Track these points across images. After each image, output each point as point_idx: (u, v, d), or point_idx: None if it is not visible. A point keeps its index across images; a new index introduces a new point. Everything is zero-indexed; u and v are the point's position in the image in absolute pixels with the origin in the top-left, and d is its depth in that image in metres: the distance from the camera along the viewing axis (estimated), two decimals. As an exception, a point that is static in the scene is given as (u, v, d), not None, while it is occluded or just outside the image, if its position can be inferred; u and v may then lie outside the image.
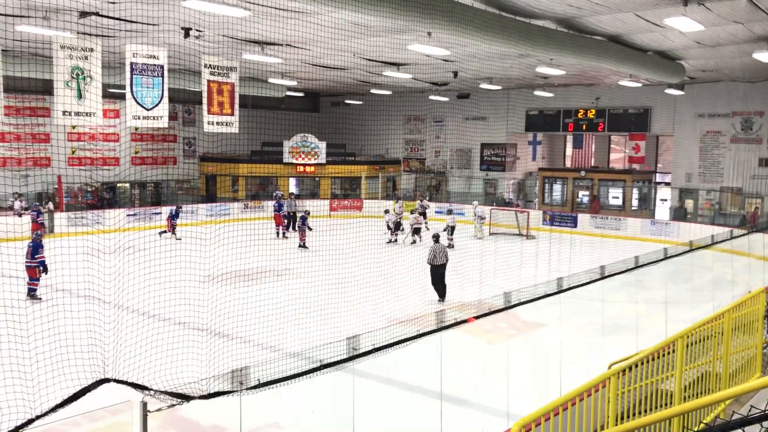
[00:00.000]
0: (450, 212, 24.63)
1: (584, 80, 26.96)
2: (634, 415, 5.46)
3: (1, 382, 6.46)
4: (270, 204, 29.87)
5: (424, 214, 26.10)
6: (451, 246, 21.99)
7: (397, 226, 24.24)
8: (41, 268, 14.39)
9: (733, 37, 16.30)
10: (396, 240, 23.83)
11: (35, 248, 14.47)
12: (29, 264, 14.43)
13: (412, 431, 8.87)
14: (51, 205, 24.45)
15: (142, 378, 5.06)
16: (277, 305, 12.49)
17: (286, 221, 25.84)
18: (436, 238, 15.42)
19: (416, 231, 23.72)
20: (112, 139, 29.45)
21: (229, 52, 18.93)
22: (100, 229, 23.06)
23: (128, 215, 26.05)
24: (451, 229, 23.41)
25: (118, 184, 30.08)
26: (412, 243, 23.21)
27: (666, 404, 5.87)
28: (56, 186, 26.55)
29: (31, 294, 14.23)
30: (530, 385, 10.02)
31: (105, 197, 29.09)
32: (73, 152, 28.29)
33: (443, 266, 14.92)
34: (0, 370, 7.22)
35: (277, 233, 24.90)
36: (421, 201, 28.02)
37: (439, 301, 14.56)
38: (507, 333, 12.50)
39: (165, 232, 22.83)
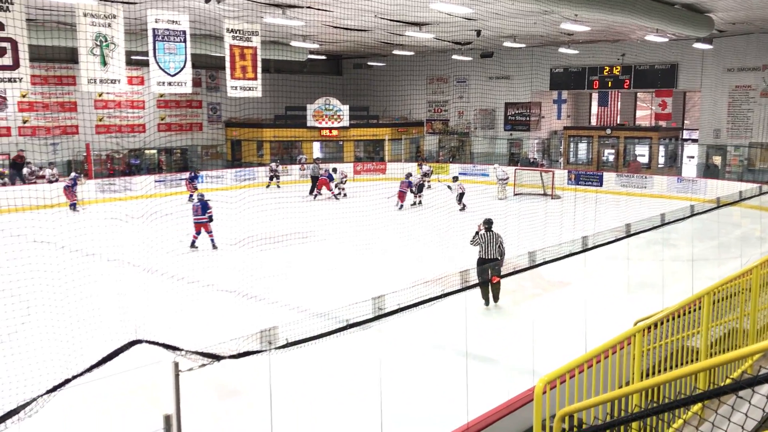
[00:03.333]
0: (456, 179, 24.47)
1: (610, 36, 26.42)
2: (659, 371, 5.49)
3: (40, 345, 6.67)
4: (296, 168, 30.22)
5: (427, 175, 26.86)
6: (463, 209, 22.02)
7: (420, 188, 24.24)
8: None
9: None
10: (420, 202, 23.86)
11: (205, 205, 16.07)
12: (201, 220, 15.97)
13: (438, 389, 9.01)
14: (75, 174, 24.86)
15: (173, 339, 5.19)
16: (304, 267, 12.64)
17: (312, 186, 26.34)
18: (488, 224, 11.93)
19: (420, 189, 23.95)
20: (138, 106, 29.62)
21: (251, 15, 18.83)
22: (129, 196, 23.41)
23: (156, 181, 26.38)
24: (459, 197, 23.06)
25: (145, 151, 30.36)
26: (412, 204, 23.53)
27: (692, 361, 5.88)
28: (85, 154, 26.89)
29: (213, 244, 15.91)
30: (555, 343, 10.06)
31: (132, 164, 29.45)
32: (100, 120, 28.54)
33: (496, 262, 11.56)
34: (38, 333, 7.44)
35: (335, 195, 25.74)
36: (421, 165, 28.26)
37: (485, 304, 11.66)
38: (531, 292, 12.53)
39: (191, 196, 23.35)
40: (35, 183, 23.38)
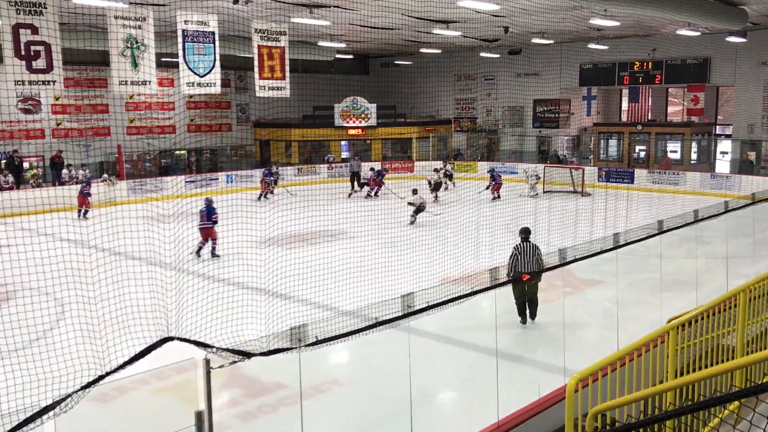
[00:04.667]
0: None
1: (640, 31, 26.08)
2: (693, 370, 5.40)
3: (74, 342, 6.78)
4: (323, 167, 30.32)
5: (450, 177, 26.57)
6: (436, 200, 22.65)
7: (437, 186, 24.43)
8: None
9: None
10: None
11: (211, 211, 15.62)
12: (206, 226, 15.54)
13: (468, 388, 8.97)
14: (107, 176, 25.17)
15: (205, 336, 5.24)
16: (333, 266, 12.68)
17: (352, 181, 27.07)
18: (525, 234, 10.68)
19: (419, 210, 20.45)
20: (168, 108, 29.97)
21: (278, 16, 18.94)
22: (161, 196, 23.68)
23: (187, 182, 26.67)
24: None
25: (176, 152, 30.70)
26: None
27: (727, 359, 5.78)
28: (117, 155, 27.28)
29: (213, 253, 15.53)
30: (587, 341, 9.98)
31: (163, 165, 29.78)
32: (131, 121, 28.94)
33: (531, 277, 10.30)
34: (72, 330, 7.57)
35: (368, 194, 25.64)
36: (445, 164, 28.02)
37: (521, 322, 10.63)
38: (563, 290, 12.42)
39: (264, 195, 24.73)
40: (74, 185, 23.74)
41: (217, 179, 27.78)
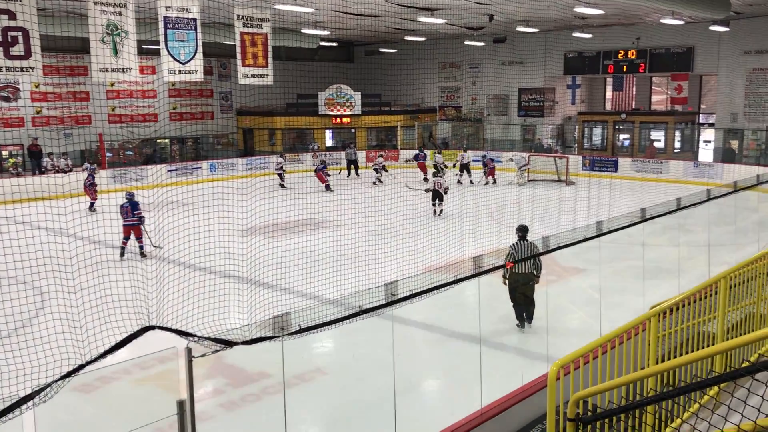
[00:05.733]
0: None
1: (624, 20, 26.14)
2: (675, 357, 5.43)
3: (54, 332, 6.72)
4: (307, 156, 30.17)
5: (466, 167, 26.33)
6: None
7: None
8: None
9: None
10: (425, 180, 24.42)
11: (135, 206, 14.57)
12: (131, 223, 14.53)
13: (452, 376, 9.00)
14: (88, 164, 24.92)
15: (187, 325, 5.20)
16: (316, 255, 12.65)
17: (348, 168, 28.13)
18: (522, 232, 10.09)
19: (437, 195, 19.43)
20: (150, 96, 29.71)
21: (261, 2, 18.76)
22: (143, 185, 23.49)
23: (169, 170, 26.48)
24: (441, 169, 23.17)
25: (158, 140, 30.46)
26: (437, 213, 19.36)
27: (708, 346, 5.82)
28: (98, 144, 27.02)
29: (142, 252, 14.52)
30: (570, 328, 10.04)
31: (146, 153, 29.54)
32: (113, 110, 28.65)
33: (529, 278, 9.82)
34: (51, 320, 7.50)
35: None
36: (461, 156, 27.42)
37: (518, 326, 10.14)
38: (546, 278, 12.46)
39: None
40: (54, 174, 23.48)
41: (200, 168, 27.62)
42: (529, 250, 9.76)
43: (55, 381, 3.71)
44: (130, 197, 14.79)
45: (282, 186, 24.72)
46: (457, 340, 9.72)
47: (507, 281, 9.87)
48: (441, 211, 18.96)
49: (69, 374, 3.79)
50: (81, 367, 3.87)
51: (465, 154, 26.56)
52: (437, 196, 19.13)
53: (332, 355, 9.97)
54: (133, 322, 4.63)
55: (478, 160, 28.88)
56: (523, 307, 9.98)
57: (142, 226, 14.59)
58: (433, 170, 21.28)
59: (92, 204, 20.39)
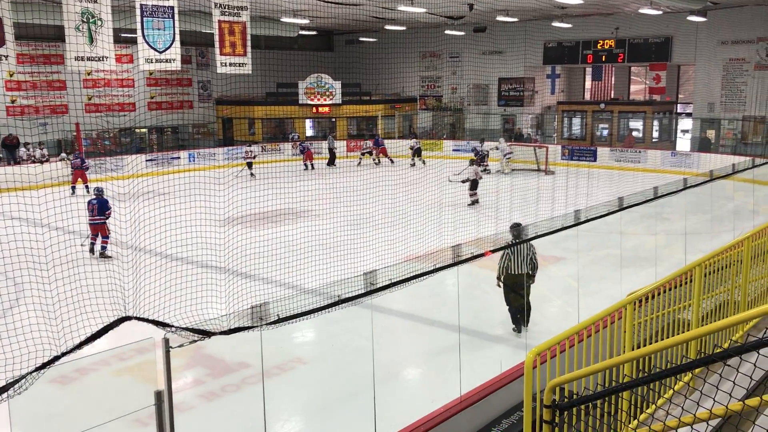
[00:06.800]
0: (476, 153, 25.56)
1: (603, 9, 26.24)
2: (652, 344, 5.49)
3: (27, 322, 6.65)
4: (287, 146, 30.07)
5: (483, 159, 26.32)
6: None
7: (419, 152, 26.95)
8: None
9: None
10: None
11: (103, 205, 13.90)
12: (97, 221, 13.83)
13: (432, 363, 9.05)
14: (65, 154, 24.68)
15: (164, 316, 5.17)
16: (295, 244, 12.63)
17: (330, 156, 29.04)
18: (517, 231, 9.35)
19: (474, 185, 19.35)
20: (128, 85, 29.38)
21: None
22: (120, 175, 23.26)
23: (147, 160, 26.24)
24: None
25: (136, 130, 30.15)
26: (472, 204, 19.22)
27: (685, 332, 5.90)
28: (75, 133, 26.68)
29: (103, 253, 13.83)
30: (549, 317, 10.11)
31: (123, 142, 29.25)
32: (90, 99, 28.30)
33: (526, 278, 9.30)
34: (26, 311, 7.43)
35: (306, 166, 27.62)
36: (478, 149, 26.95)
37: (514, 330, 9.58)
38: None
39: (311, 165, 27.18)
40: (31, 164, 23.21)
41: (179, 158, 27.40)
42: (525, 251, 9.27)
43: (30, 373, 3.68)
44: (99, 194, 14.19)
45: (252, 175, 24.70)
46: (438, 329, 9.77)
47: (501, 283, 9.48)
48: (475, 201, 18.94)
49: (44, 366, 3.75)
50: (56, 358, 3.83)
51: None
52: (476, 185, 19.16)
53: (312, 344, 9.98)
54: (110, 313, 4.60)
55: (459, 150, 28.98)
56: (519, 309, 9.45)
57: (106, 226, 13.92)
58: (470, 159, 20.94)
59: (84, 187, 20.72)
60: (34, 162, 23.39)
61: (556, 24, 28.01)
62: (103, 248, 13.93)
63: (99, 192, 14.28)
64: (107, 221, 13.91)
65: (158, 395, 4.20)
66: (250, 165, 25.47)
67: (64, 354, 3.91)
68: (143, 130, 30.55)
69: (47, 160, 23.72)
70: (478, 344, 9.24)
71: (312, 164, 27.76)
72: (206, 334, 4.37)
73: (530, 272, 9.36)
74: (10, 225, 8.93)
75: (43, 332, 5.97)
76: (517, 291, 9.35)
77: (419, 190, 17.61)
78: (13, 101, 26.17)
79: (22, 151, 24.68)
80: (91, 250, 13.89)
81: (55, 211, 8.36)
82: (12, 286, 9.74)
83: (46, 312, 6.94)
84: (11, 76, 25.70)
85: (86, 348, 4.23)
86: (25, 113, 26.36)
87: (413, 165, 27.47)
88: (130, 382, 7.27)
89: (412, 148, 28.29)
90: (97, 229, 13.96)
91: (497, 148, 26.62)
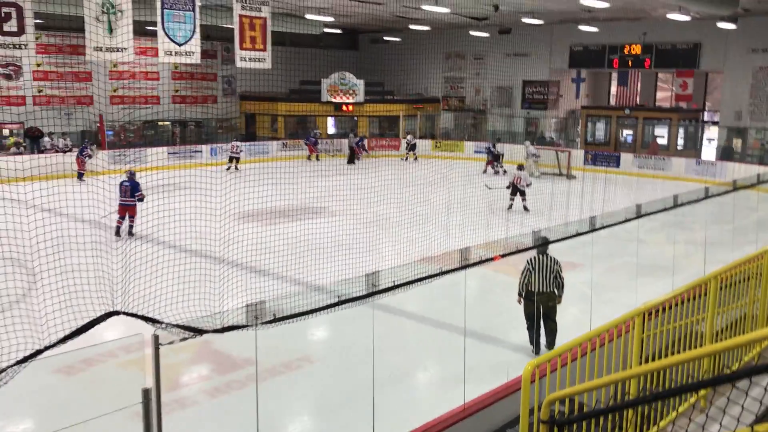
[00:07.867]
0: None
1: (631, 14, 25.84)
2: (663, 358, 5.29)
3: (9, 314, 6.59)
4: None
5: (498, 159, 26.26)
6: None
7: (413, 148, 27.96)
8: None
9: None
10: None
11: (135, 187, 14.67)
12: (128, 203, 14.62)
13: (439, 368, 8.89)
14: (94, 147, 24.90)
15: (155, 312, 5.08)
16: (308, 241, 12.54)
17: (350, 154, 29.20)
18: (542, 245, 8.67)
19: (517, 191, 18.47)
20: (153, 78, 29.51)
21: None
22: (143, 167, 23.34)
23: (169, 153, 26.35)
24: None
25: (159, 123, 30.28)
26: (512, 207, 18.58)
27: (698, 348, 5.68)
28: (98, 124, 26.87)
29: (130, 231, 14.59)
30: (562, 325, 9.88)
31: (147, 135, 29.43)
32: (115, 91, 28.47)
33: (550, 297, 8.65)
34: (7, 302, 7.37)
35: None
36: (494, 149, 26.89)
37: (533, 351, 8.77)
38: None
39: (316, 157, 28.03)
40: (55, 153, 23.45)
41: (201, 152, 27.47)
42: (549, 266, 8.56)
43: (11, 366, 3.60)
44: (131, 176, 14.95)
45: (236, 168, 25.19)
46: (449, 333, 9.59)
47: (523, 300, 8.76)
48: (525, 207, 18.08)
49: (26, 359, 3.67)
50: (39, 352, 3.75)
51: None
52: (517, 191, 18.28)
53: (321, 343, 9.88)
54: (96, 307, 4.51)
55: (481, 152, 28.77)
56: (542, 330, 8.72)
57: (137, 207, 14.51)
58: (519, 164, 20.21)
59: (81, 174, 21.12)
60: (57, 152, 23.59)
61: (582, 27, 27.63)
62: (131, 227, 14.67)
63: (131, 175, 15.06)
64: (138, 203, 14.54)
65: (146, 393, 4.08)
66: (236, 160, 25.87)
67: (46, 348, 3.82)
68: (167, 123, 30.68)
69: (70, 150, 23.90)
70: (489, 350, 9.05)
71: (317, 156, 28.87)
72: (198, 331, 4.26)
73: (555, 291, 8.65)
74: (31, 214, 8.80)
75: (27, 326, 5.86)
76: (539, 311, 8.59)
77: (437, 191, 17.46)
78: (39, 91, 26.40)
79: (45, 140, 24.90)
80: (117, 233, 14.50)
81: (48, 198, 8.27)
82: (25, 275, 9.71)
83: (31, 303, 6.86)
84: (39, 66, 25.94)
85: (74, 341, 4.14)
86: (50, 103, 26.59)
87: (405, 159, 29.30)
88: (120, 379, 7.18)
89: (408, 143, 29.65)
90: (125, 210, 14.68)
91: (527, 147, 26.36)
